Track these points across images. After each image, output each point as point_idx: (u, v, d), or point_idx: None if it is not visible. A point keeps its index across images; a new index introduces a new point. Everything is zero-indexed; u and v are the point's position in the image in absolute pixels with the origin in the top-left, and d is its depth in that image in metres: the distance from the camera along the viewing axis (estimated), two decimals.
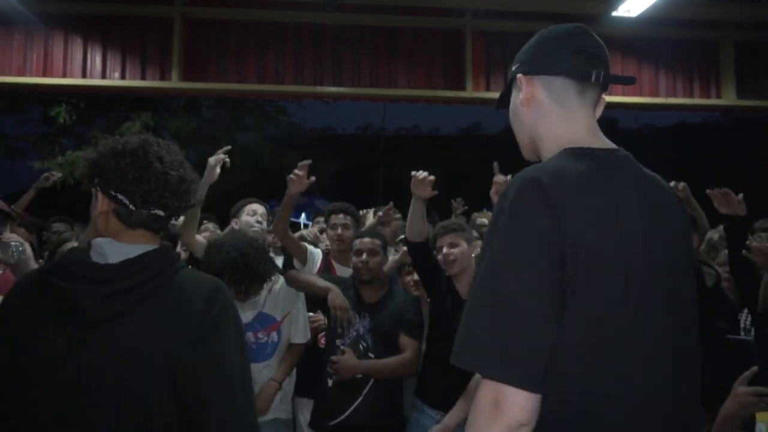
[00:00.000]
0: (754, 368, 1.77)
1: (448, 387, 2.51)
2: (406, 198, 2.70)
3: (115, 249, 1.37)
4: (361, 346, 2.83)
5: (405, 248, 3.04)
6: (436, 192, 2.65)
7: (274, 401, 2.80)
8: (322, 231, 4.16)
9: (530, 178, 1.08)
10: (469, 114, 32.56)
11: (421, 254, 2.80)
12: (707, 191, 2.86)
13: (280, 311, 2.89)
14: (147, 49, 5.87)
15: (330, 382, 2.82)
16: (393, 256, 3.46)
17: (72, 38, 5.81)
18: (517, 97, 1.30)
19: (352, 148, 23.32)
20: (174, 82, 5.81)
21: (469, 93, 6.00)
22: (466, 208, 5.41)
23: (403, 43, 6.07)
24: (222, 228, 4.10)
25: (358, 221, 3.57)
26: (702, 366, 1.20)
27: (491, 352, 1.01)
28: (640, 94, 6.17)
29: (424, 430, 2.59)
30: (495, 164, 2.58)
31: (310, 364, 3.03)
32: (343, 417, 2.75)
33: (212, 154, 3.01)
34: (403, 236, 3.18)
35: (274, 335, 2.87)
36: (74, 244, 3.04)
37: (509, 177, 2.65)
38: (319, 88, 6.03)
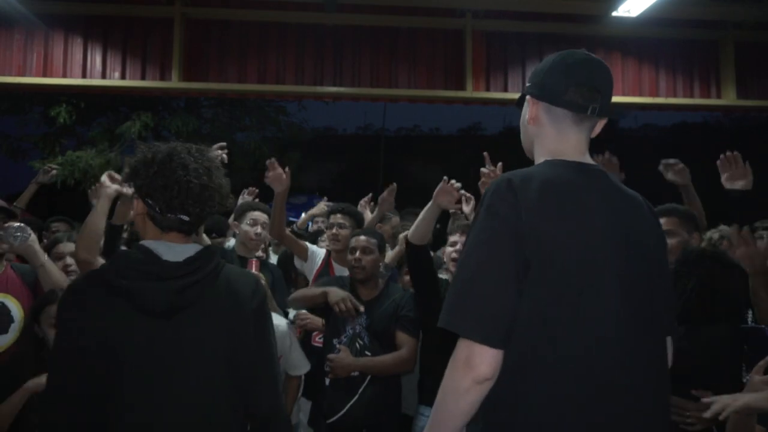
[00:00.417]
0: None
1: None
2: (406, 197, 2.70)
3: (169, 249, 1.52)
4: (357, 344, 2.84)
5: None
6: (459, 206, 2.70)
7: None
8: (322, 232, 4.16)
9: (505, 179, 1.35)
10: (469, 114, 32.54)
11: (418, 257, 2.81)
12: (717, 162, 2.90)
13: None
14: (147, 49, 5.86)
15: (327, 381, 2.83)
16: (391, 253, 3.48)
17: (72, 38, 5.80)
18: (525, 112, 1.54)
19: (353, 149, 23.26)
20: (174, 82, 5.80)
21: (470, 93, 5.99)
22: None
23: (404, 44, 6.06)
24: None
25: (359, 222, 3.56)
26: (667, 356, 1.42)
27: (466, 316, 1.28)
28: (640, 94, 6.16)
29: None
30: (485, 155, 2.72)
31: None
32: (340, 414, 2.76)
33: None
34: (404, 233, 3.18)
35: None
36: (68, 243, 3.03)
37: (499, 165, 2.86)
38: (319, 88, 6.02)
